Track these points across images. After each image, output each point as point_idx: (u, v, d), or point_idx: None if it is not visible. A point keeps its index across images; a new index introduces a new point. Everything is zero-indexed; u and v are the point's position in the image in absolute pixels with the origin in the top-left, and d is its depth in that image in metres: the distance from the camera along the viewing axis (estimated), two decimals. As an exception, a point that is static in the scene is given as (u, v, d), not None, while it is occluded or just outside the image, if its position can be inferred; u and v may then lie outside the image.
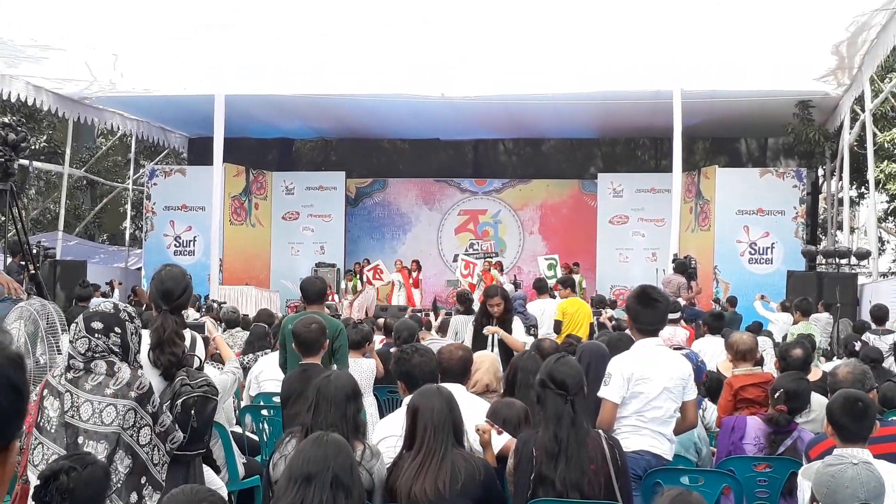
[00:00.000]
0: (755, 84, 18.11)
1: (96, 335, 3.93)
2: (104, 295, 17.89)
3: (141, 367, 4.15)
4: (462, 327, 12.24)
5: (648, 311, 5.14)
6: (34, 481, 3.42)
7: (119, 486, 3.82)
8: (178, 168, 24.27)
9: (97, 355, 3.92)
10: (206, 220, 20.45)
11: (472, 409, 5.34)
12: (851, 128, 18.64)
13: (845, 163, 18.79)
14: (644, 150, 25.80)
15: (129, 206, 26.66)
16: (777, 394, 5.38)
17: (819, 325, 13.50)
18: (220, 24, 14.93)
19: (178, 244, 23.01)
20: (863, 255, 17.23)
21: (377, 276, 22.38)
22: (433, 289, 24.60)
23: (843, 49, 15.96)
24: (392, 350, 7.50)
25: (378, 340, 11.00)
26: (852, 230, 27.04)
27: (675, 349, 8.23)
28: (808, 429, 5.43)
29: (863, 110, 17.40)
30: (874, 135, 17.95)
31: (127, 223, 27.58)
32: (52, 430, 3.83)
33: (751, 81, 17.99)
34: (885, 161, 19.83)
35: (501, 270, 22.76)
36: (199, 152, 25.10)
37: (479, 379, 5.97)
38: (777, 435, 5.37)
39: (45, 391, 3.90)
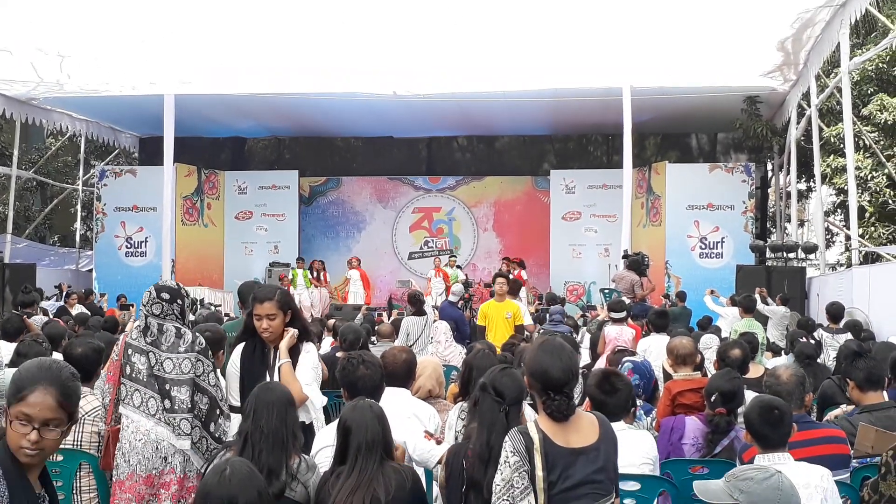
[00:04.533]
0: (703, 80, 18.28)
1: (165, 303, 5.15)
2: (52, 298, 17.76)
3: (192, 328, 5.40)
4: (414, 328, 12.31)
5: (613, 399, 5.00)
6: (136, 419, 4.93)
7: (203, 418, 5.03)
8: (128, 168, 23.98)
9: (167, 317, 5.12)
10: (158, 221, 20.31)
11: (417, 413, 5.37)
12: (798, 123, 18.88)
13: (793, 157, 19.04)
14: (596, 147, 25.93)
15: (79, 207, 26.31)
16: (713, 397, 5.43)
17: (775, 317, 13.60)
18: (169, 24, 14.81)
19: (129, 245, 22.74)
20: (810, 249, 17.44)
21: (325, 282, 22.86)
22: (388, 287, 24.59)
23: (789, 45, 16.16)
24: (339, 354, 7.43)
25: (329, 343, 10.95)
26: (802, 223, 27.39)
27: (620, 351, 8.33)
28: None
29: (809, 105, 17.63)
30: (820, 129, 18.20)
31: (77, 224, 27.24)
32: (144, 380, 5.03)
33: (699, 78, 18.15)
34: (832, 156, 20.10)
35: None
36: (150, 152, 24.87)
37: (421, 385, 5.99)
38: (715, 435, 5.44)
39: (130, 350, 5.07)
